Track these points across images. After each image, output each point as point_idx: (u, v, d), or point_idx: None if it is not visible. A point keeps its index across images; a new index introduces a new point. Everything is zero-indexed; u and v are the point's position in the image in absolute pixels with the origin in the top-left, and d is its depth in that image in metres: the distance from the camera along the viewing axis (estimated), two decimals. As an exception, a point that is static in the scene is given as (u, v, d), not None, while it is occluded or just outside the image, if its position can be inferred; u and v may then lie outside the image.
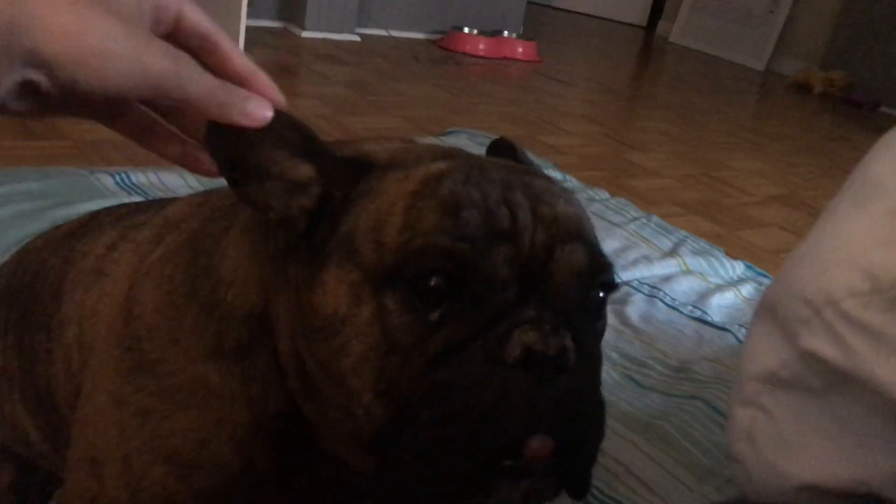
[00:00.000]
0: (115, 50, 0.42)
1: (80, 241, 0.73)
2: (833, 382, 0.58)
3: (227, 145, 0.49)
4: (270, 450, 0.56)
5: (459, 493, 0.48)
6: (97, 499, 0.60)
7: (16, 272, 0.81)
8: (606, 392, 1.20)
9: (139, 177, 1.59)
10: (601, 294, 0.54)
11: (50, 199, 1.43)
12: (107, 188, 1.52)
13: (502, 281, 0.48)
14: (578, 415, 0.49)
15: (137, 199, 1.47)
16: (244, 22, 2.95)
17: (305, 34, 3.56)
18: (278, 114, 0.49)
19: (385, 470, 0.49)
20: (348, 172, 0.52)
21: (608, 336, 1.39)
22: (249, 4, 2.98)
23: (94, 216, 0.77)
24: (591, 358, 0.52)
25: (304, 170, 0.51)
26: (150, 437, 0.57)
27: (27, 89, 0.43)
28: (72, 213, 1.37)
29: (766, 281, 1.76)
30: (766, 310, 0.65)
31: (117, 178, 1.57)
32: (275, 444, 0.56)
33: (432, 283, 0.48)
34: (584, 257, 0.51)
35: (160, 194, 1.51)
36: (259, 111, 0.48)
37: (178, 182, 1.60)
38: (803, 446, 0.59)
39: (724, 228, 2.26)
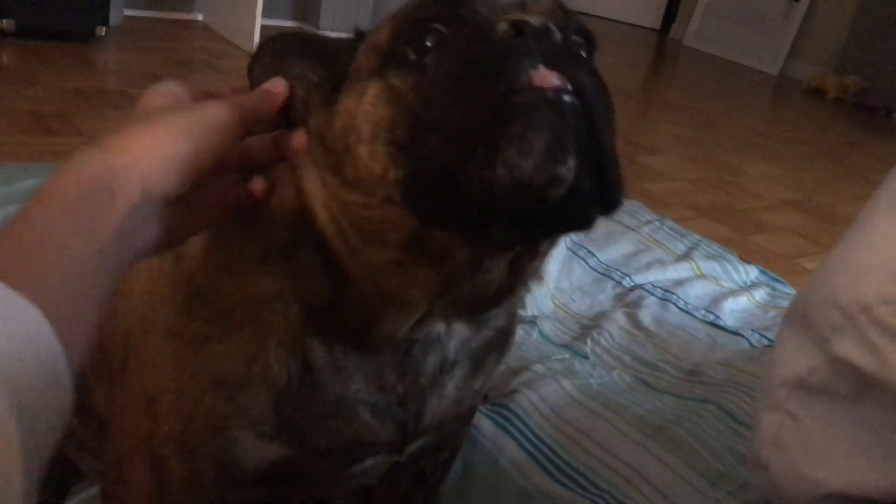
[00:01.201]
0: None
1: None
2: (864, 389, 0.58)
3: (265, 70, 0.59)
4: (318, 347, 0.59)
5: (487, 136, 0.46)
6: (152, 437, 0.62)
7: None
8: (618, 395, 1.21)
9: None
10: (583, 42, 0.56)
11: (67, 195, 1.44)
12: (123, 185, 1.53)
13: (484, 20, 0.51)
14: (581, 86, 0.48)
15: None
16: (259, 21, 2.96)
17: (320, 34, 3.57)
18: (294, 34, 0.60)
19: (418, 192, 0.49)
20: (349, 50, 0.58)
21: (620, 338, 1.39)
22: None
23: None
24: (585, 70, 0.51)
25: (318, 71, 0.59)
26: (203, 364, 0.59)
27: (142, 221, 0.48)
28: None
29: (779, 286, 1.75)
30: (797, 316, 0.65)
31: (133, 174, 1.58)
32: (323, 340, 0.59)
33: (422, 36, 0.51)
34: (552, 3, 0.54)
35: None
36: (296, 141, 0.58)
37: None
38: (831, 453, 0.59)
39: (736, 233, 2.25)
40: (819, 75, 4.97)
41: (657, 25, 6.24)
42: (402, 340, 0.59)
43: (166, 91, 0.54)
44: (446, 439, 0.76)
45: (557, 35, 0.49)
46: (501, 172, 0.44)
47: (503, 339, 0.69)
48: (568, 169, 0.45)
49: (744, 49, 5.47)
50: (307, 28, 3.63)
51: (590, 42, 0.56)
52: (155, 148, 0.47)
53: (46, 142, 1.94)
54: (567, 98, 0.46)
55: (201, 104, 0.52)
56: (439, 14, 0.51)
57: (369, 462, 0.66)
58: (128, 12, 3.24)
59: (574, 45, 0.54)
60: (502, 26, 0.49)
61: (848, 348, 0.58)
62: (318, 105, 0.57)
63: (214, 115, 0.51)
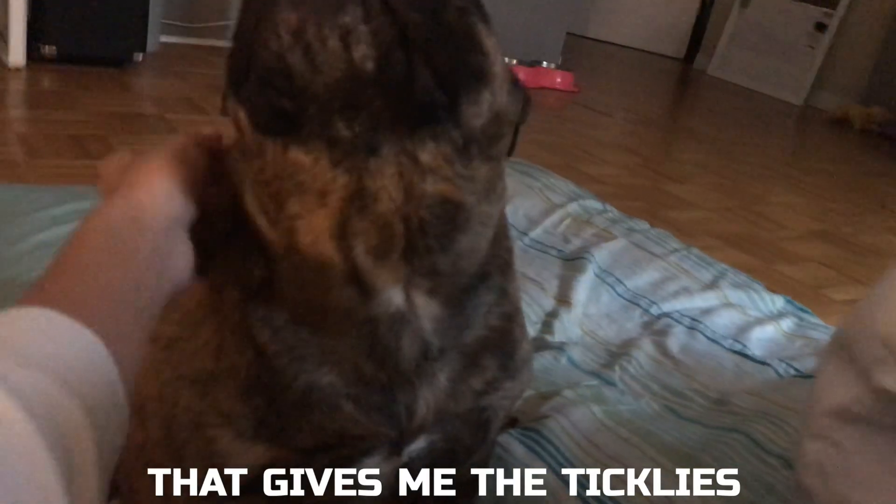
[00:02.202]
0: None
1: None
2: None
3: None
4: (263, 331, 0.58)
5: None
6: (144, 446, 0.63)
7: None
8: (647, 423, 1.22)
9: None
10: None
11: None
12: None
13: None
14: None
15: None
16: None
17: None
18: None
19: None
20: None
21: (648, 366, 1.41)
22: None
23: None
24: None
25: None
26: (176, 364, 0.60)
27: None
28: (130, 231, 1.43)
29: (806, 316, 1.76)
30: (840, 347, 0.67)
31: (174, 198, 1.62)
32: (266, 322, 0.58)
33: None
34: None
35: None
36: None
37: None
38: (875, 480, 0.61)
39: (762, 262, 2.26)
40: (844, 105, 4.97)
41: (681, 55, 6.27)
42: (363, 320, 0.56)
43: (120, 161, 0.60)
44: (455, 446, 0.70)
45: None
46: (284, 35, 0.44)
47: (503, 343, 0.67)
48: (352, 18, 0.43)
49: (768, 79, 5.48)
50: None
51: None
52: (163, 179, 0.54)
53: (85, 164, 1.99)
54: None
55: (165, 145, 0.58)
56: None
57: (369, 464, 0.63)
58: (164, 39, 3.31)
59: None
60: None
61: (891, 380, 0.60)
62: None
63: (182, 142, 0.58)
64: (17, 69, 2.62)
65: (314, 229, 0.52)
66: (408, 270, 0.55)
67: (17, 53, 2.61)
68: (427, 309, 0.58)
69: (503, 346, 0.67)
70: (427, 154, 0.50)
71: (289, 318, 0.58)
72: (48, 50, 2.66)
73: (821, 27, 5.24)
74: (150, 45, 3.00)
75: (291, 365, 0.58)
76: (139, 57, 2.86)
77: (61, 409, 0.37)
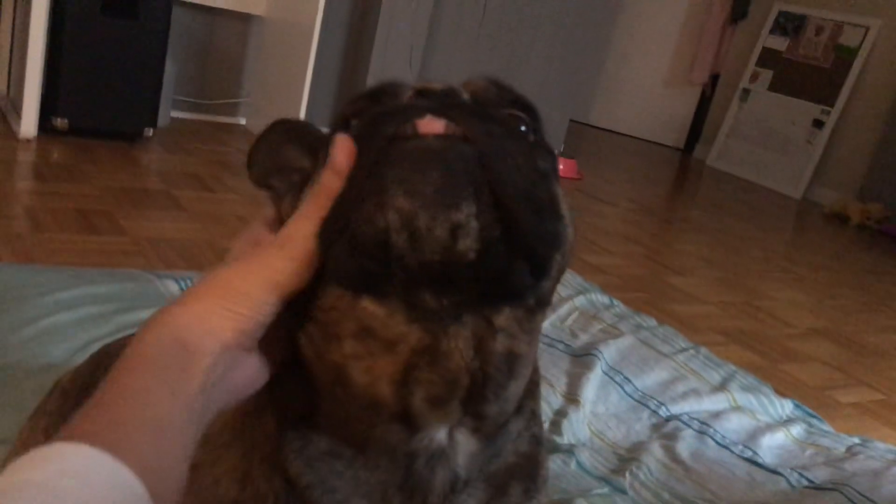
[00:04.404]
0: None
1: None
2: None
3: (262, 161, 0.62)
4: (296, 463, 0.56)
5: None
6: None
7: (93, 374, 0.84)
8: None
9: (202, 283, 1.62)
10: (523, 116, 0.54)
11: (116, 303, 1.47)
12: (171, 294, 1.56)
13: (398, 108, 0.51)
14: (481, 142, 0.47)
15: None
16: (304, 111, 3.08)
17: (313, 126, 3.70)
18: (289, 121, 0.62)
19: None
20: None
21: (658, 473, 1.38)
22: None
23: None
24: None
25: (305, 162, 0.61)
26: (198, 491, 0.57)
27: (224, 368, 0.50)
28: (135, 318, 1.41)
29: (815, 422, 1.73)
30: None
31: (182, 283, 1.61)
32: (301, 454, 0.56)
33: (348, 124, 0.53)
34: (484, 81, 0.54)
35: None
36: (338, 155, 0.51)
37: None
38: None
39: (766, 360, 2.24)
40: (842, 201, 5.03)
41: (681, 145, 6.38)
42: (402, 454, 0.55)
43: (247, 239, 0.57)
44: None
45: (464, 96, 0.51)
46: (392, 217, 0.44)
47: (529, 467, 0.65)
48: (465, 214, 0.45)
49: (767, 172, 5.56)
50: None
51: (529, 112, 0.56)
52: (217, 307, 0.49)
53: (90, 239, 1.99)
54: (458, 145, 0.46)
55: (260, 254, 0.52)
56: (363, 106, 0.53)
57: None
58: (175, 114, 3.36)
59: (507, 116, 0.54)
60: (408, 93, 0.51)
61: None
62: (290, 204, 0.58)
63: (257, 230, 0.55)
64: (28, 140, 2.64)
65: (374, 373, 0.52)
66: (460, 415, 0.55)
67: (28, 125, 2.63)
68: (466, 445, 0.57)
69: (529, 470, 0.65)
70: (502, 318, 0.52)
71: (325, 451, 0.56)
72: (60, 122, 2.69)
73: (819, 124, 5.34)
74: (161, 121, 3.04)
75: (323, 498, 0.56)
76: (150, 132, 2.89)
77: None
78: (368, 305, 0.49)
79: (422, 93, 0.51)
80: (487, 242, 0.46)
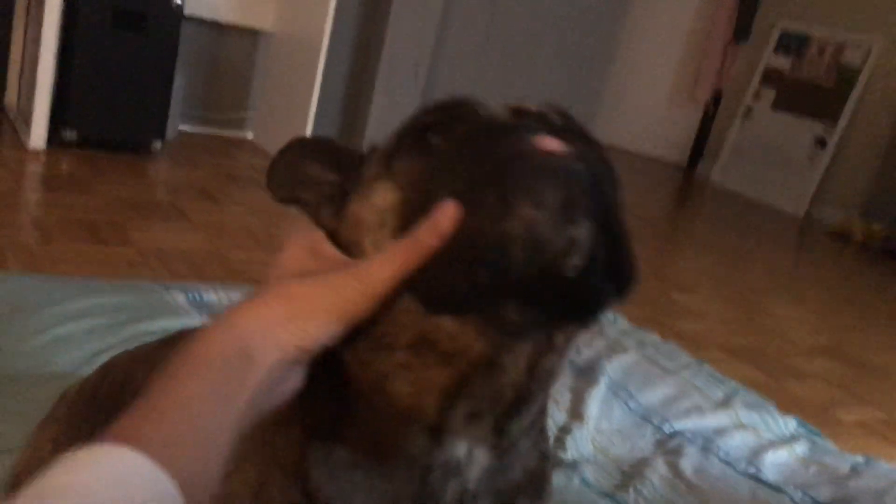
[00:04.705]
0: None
1: (166, 350, 0.77)
2: None
3: (281, 176, 0.63)
4: (320, 474, 0.56)
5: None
6: None
7: (101, 384, 0.85)
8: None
9: (210, 295, 1.63)
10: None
11: (123, 313, 1.48)
12: (179, 305, 1.57)
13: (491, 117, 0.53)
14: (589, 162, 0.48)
15: (208, 318, 1.51)
16: (311, 126, 3.09)
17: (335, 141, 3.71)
18: (310, 139, 0.63)
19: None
20: (360, 161, 0.61)
21: (662, 489, 1.38)
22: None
23: (182, 331, 0.82)
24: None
25: (331, 177, 0.62)
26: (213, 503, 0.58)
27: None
28: (143, 329, 1.42)
29: (818, 440, 1.74)
30: None
31: (189, 295, 1.62)
32: (325, 465, 0.56)
33: (425, 136, 0.53)
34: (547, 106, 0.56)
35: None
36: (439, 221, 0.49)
37: (246, 301, 1.64)
38: None
39: (769, 378, 2.25)
40: (845, 219, 5.04)
41: (684, 162, 6.39)
42: (421, 466, 0.56)
43: (302, 245, 0.56)
44: None
45: (557, 119, 0.52)
46: (517, 227, 0.44)
47: (536, 483, 0.65)
48: (583, 232, 0.45)
49: (769, 189, 5.57)
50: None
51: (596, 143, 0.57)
52: (285, 321, 0.49)
53: (98, 250, 2.00)
54: (577, 165, 0.47)
55: (333, 280, 0.51)
56: (441, 119, 0.54)
57: None
58: (183, 128, 3.38)
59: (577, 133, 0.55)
60: (503, 112, 0.52)
61: None
62: (329, 214, 0.59)
63: (347, 299, 0.50)
64: (37, 152, 2.66)
65: (421, 384, 0.52)
66: (488, 431, 0.55)
67: (38, 137, 2.66)
68: (481, 460, 0.58)
69: (536, 485, 0.65)
70: (561, 336, 0.52)
71: (346, 461, 0.56)
72: (69, 134, 2.71)
73: (821, 142, 5.36)
74: (170, 133, 3.06)
75: None
76: (158, 144, 2.91)
77: None
78: (444, 320, 0.49)
79: (519, 112, 0.52)
80: (591, 261, 0.46)
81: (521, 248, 0.45)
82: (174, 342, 0.79)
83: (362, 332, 0.52)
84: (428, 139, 0.52)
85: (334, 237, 0.57)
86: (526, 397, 0.54)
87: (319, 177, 0.62)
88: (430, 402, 0.52)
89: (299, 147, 0.64)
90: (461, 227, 0.46)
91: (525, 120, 0.52)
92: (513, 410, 0.54)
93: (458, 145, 0.50)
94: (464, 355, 0.50)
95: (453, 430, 0.54)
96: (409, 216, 0.49)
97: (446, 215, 0.47)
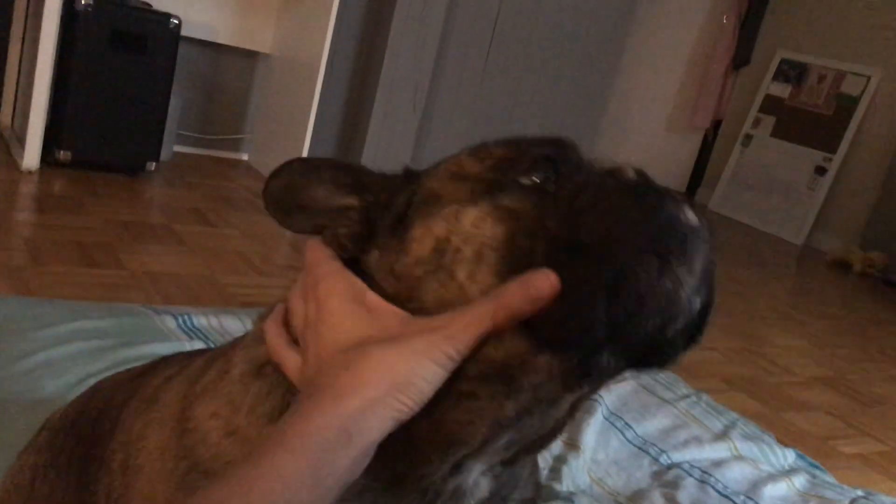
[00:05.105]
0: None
1: (146, 378, 0.75)
2: None
3: (279, 199, 0.59)
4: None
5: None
6: None
7: (84, 410, 0.84)
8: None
9: (200, 320, 1.60)
10: None
11: (113, 338, 1.45)
12: (169, 330, 1.54)
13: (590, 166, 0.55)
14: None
15: (198, 343, 1.48)
16: (307, 148, 3.08)
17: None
18: (317, 160, 0.59)
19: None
20: (392, 180, 0.60)
21: (659, 523, 1.34)
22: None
23: (164, 358, 0.81)
24: None
25: (347, 200, 0.59)
26: None
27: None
28: (132, 354, 1.39)
29: (818, 473, 1.70)
30: None
31: (180, 319, 1.59)
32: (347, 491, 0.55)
33: (532, 169, 0.53)
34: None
35: (220, 338, 1.52)
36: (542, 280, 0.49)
37: (237, 326, 1.61)
38: None
39: (768, 408, 2.22)
40: (844, 248, 5.02)
41: (683, 189, 6.39)
42: (432, 492, 0.55)
43: (345, 297, 0.54)
44: None
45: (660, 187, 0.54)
46: (666, 286, 0.47)
47: None
48: (705, 296, 0.50)
49: (769, 218, 5.56)
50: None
51: None
52: (388, 397, 0.48)
53: (90, 273, 1.98)
54: (709, 238, 0.52)
55: (423, 339, 0.50)
56: (547, 154, 0.54)
57: None
58: (178, 149, 3.37)
59: None
60: (630, 173, 0.54)
61: None
62: (384, 234, 0.56)
63: (442, 356, 0.49)
64: (30, 172, 2.64)
65: (481, 413, 0.52)
66: (499, 461, 0.57)
67: (31, 157, 2.64)
68: (483, 487, 0.58)
69: None
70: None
71: (362, 486, 0.54)
72: (63, 155, 2.69)
73: (821, 171, 5.36)
74: (164, 155, 3.05)
75: None
76: (152, 165, 2.89)
77: None
78: (543, 359, 0.50)
79: (641, 175, 0.54)
80: (691, 320, 0.50)
81: (666, 305, 0.48)
82: (154, 369, 0.77)
83: None
84: (532, 175, 0.53)
85: (391, 268, 0.55)
86: (557, 433, 0.56)
87: (327, 201, 0.59)
88: (481, 432, 0.52)
89: (301, 168, 0.60)
90: (607, 274, 0.48)
91: (646, 180, 0.54)
92: (537, 444, 0.56)
93: (600, 196, 0.51)
94: (537, 391, 0.51)
95: (480, 459, 0.55)
96: (515, 258, 0.50)
97: (547, 285, 0.48)
